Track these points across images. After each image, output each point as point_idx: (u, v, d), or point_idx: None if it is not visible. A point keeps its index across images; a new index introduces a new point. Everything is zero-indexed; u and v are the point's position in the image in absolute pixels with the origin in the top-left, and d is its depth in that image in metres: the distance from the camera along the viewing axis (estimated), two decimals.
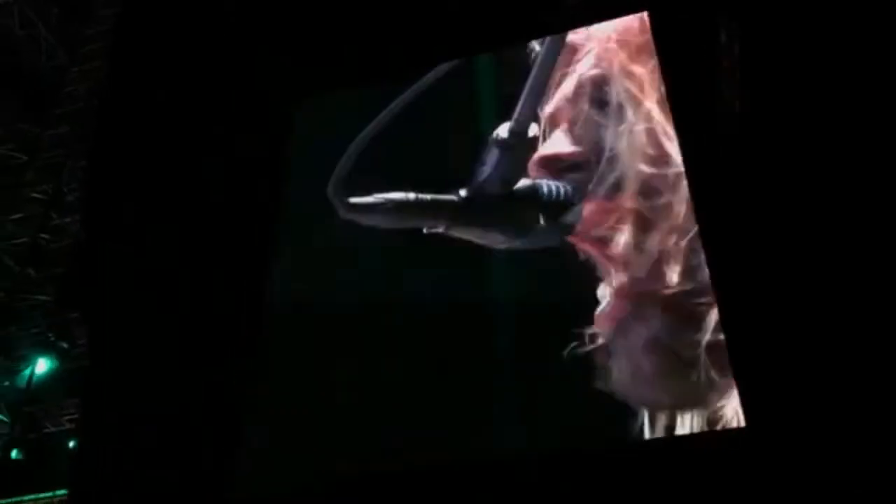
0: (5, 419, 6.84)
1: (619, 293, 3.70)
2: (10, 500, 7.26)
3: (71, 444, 6.94)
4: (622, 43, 4.37)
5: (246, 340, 5.18)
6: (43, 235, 7.44)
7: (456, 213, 4.12)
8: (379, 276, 4.37)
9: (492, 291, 4.01)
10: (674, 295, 3.65)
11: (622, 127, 4.09)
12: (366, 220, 4.32)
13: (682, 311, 3.61)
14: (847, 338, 3.51)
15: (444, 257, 4.15)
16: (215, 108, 6.53)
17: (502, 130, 4.22)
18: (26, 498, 7.24)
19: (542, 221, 3.95)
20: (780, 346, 3.61)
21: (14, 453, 6.84)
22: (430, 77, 4.76)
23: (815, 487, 3.28)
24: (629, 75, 4.24)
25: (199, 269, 5.66)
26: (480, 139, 4.30)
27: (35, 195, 7.65)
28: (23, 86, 8.21)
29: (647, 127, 4.06)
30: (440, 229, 4.13)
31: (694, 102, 4.35)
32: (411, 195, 4.20)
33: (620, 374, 3.52)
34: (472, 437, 3.79)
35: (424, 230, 4.15)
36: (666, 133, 4.02)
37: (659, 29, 4.86)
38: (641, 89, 4.18)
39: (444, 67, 4.84)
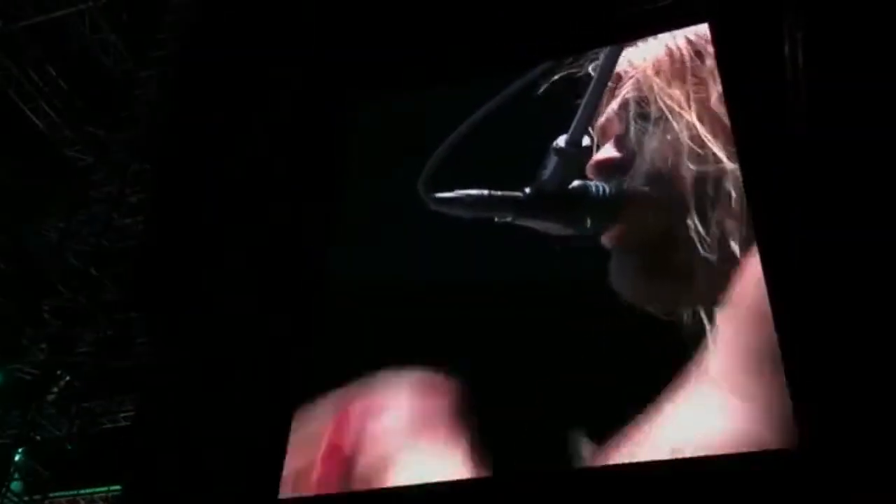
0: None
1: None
2: (66, 493, 7.42)
3: (125, 440, 7.06)
4: (657, 71, 5.28)
5: (305, 342, 5.23)
6: (107, 236, 7.57)
7: (521, 207, 5.09)
8: (451, 260, 5.30)
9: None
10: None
11: (658, 132, 4.99)
12: (448, 211, 5.19)
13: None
14: None
15: (510, 243, 5.11)
16: (280, 110, 6.63)
17: (560, 140, 5.16)
18: (82, 492, 7.39)
19: (588, 218, 4.92)
20: (837, 362, 3.50)
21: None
22: (507, 91, 5.64)
23: None
24: (666, 94, 5.12)
25: (258, 271, 5.73)
26: (544, 146, 5.22)
27: (100, 196, 7.81)
28: (91, 89, 8.40)
29: (685, 132, 4.93)
30: (508, 219, 5.08)
31: (755, 112, 4.37)
32: (485, 192, 5.13)
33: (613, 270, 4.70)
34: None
35: (496, 219, 5.10)
36: (705, 137, 4.87)
37: (722, 39, 4.96)
38: (678, 104, 5.04)
39: (518, 84, 5.69)
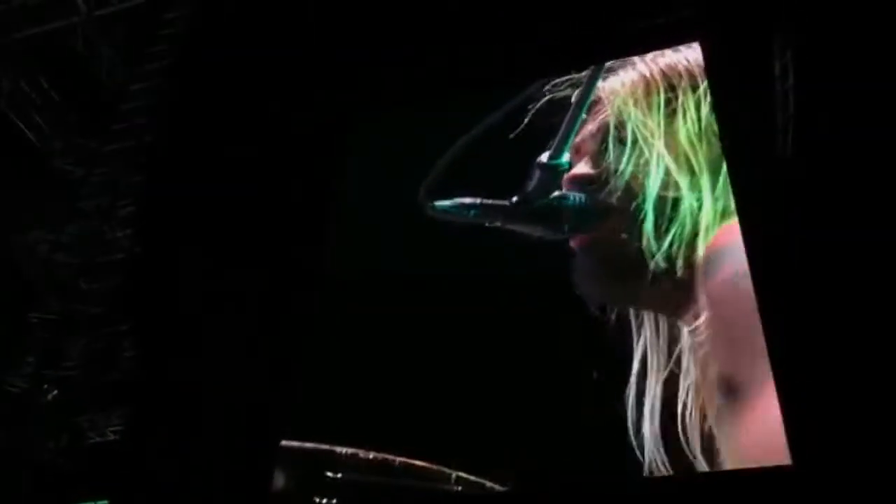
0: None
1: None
2: None
3: (113, 454, 6.99)
4: (635, 101, 5.92)
5: (296, 357, 5.23)
6: (97, 249, 7.53)
7: (508, 214, 5.79)
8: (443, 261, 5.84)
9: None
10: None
11: (633, 156, 5.63)
12: (444, 217, 5.89)
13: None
14: None
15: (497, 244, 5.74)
16: (271, 124, 6.65)
17: (543, 156, 5.92)
18: None
19: (565, 224, 5.64)
20: (830, 380, 3.51)
21: None
22: (501, 109, 6.33)
23: None
24: (641, 123, 5.76)
25: (248, 283, 5.73)
26: (531, 160, 5.92)
27: (90, 209, 7.77)
28: (82, 101, 8.39)
29: (654, 159, 5.55)
30: (497, 224, 5.78)
31: (744, 131, 4.46)
32: (477, 200, 5.85)
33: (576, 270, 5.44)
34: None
35: (486, 224, 5.79)
36: (670, 166, 5.50)
37: (712, 58, 5.10)
38: (650, 133, 5.68)
39: (511, 102, 6.37)
